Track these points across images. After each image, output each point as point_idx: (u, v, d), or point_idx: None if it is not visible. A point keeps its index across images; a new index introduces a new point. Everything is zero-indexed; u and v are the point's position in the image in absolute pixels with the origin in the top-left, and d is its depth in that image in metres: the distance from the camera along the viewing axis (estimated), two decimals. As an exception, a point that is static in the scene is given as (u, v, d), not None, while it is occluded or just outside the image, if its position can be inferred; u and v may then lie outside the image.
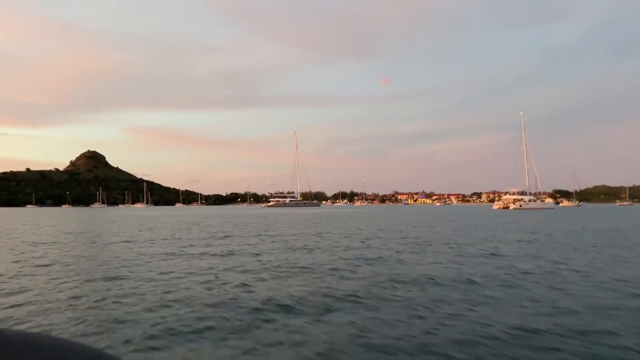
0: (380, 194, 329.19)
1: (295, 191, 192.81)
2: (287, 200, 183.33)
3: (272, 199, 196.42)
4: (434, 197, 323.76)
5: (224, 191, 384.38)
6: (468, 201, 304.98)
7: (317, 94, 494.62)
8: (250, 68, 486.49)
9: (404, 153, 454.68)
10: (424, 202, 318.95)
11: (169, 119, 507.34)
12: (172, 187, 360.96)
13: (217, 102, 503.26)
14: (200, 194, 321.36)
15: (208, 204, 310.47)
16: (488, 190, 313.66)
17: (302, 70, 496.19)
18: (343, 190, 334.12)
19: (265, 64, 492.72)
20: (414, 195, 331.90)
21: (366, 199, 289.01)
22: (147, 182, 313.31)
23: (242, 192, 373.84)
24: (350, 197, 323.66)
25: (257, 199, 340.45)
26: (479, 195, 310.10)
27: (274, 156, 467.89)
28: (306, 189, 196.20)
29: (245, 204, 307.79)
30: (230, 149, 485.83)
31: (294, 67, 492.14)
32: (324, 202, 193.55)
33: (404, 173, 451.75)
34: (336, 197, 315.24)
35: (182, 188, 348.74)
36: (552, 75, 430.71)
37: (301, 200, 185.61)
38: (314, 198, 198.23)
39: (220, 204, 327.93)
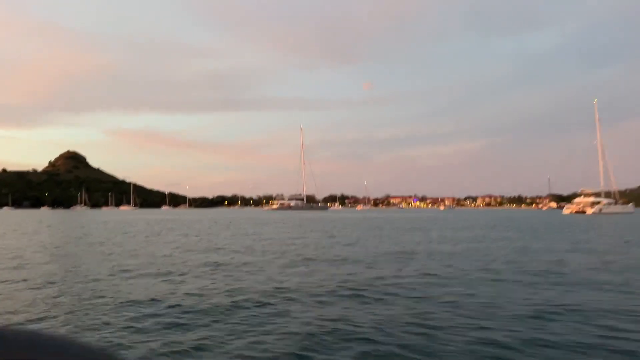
0: (372, 198, 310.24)
1: (301, 193, 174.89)
2: (293, 203, 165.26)
3: (276, 202, 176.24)
4: (427, 201, 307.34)
5: (207, 194, 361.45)
6: (464, 205, 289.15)
7: (301, 98, 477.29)
8: (234, 71, 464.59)
9: (388, 157, 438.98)
10: (418, 206, 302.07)
11: (151, 121, 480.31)
12: (154, 189, 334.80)
13: (200, 105, 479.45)
14: (187, 197, 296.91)
15: (195, 207, 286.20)
16: (483, 194, 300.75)
17: (286, 74, 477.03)
18: (333, 193, 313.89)
19: (249, 67, 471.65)
20: (407, 199, 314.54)
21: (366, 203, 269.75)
22: (128, 184, 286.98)
23: (228, 194, 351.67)
24: (342, 200, 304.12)
25: (245, 202, 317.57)
26: (473, 199, 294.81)
27: (257, 159, 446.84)
28: (300, 191, 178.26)
29: (236, 206, 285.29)
30: (213, 152, 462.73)
31: (278, 71, 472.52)
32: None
33: (389, 177, 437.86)
34: (326, 200, 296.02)
35: (163, 190, 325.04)
36: (530, 81, 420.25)
37: (305, 203, 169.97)
38: (310, 201, 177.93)
39: (206, 207, 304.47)
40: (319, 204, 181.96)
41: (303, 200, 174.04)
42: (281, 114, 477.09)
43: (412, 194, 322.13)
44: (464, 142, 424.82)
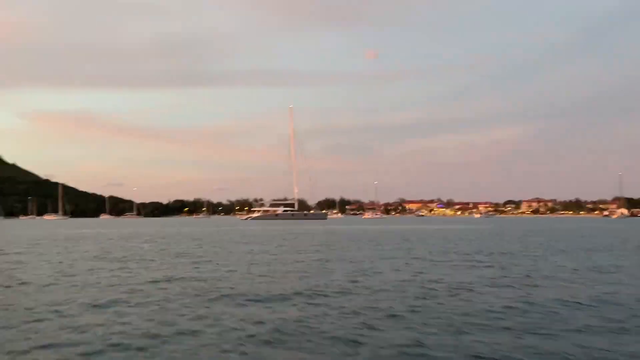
0: (381, 202, 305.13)
1: (292, 197, 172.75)
2: (280, 210, 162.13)
3: (257, 209, 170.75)
4: (455, 207, 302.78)
5: (161, 198, 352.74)
6: (504, 212, 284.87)
7: (285, 71, 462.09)
8: (196, 36, 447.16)
9: (400, 150, 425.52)
10: (443, 213, 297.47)
11: (83, 101, 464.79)
12: (89, 191, 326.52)
13: (150, 80, 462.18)
14: (135, 203, 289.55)
15: (146, 216, 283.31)
16: (528, 198, 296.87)
17: (265, 41, 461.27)
18: (328, 197, 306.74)
19: (217, 31, 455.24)
20: (428, 205, 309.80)
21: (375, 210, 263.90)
22: (55, 184, 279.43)
23: (189, 199, 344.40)
24: (342, 206, 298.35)
25: (212, 208, 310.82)
26: (516, 204, 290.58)
27: (227, 152, 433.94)
28: (288, 194, 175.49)
29: (200, 215, 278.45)
30: (168, 142, 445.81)
31: (254, 36, 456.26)
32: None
33: (402, 176, 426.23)
34: (321, 206, 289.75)
35: (103, 193, 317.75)
36: (590, 51, 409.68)
37: (297, 211, 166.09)
38: (302, 208, 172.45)
39: (161, 215, 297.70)
40: (315, 211, 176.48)
41: (294, 206, 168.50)
42: (259, 93, 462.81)
43: (434, 198, 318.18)
44: (501, 130, 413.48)
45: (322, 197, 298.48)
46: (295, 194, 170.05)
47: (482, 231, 64.73)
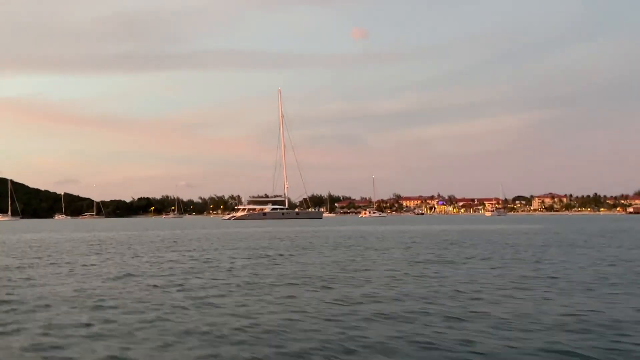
0: (375, 200, 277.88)
1: (282, 194, 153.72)
2: (269, 208, 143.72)
3: (242, 207, 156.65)
4: (459, 204, 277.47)
5: (123, 196, 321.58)
6: (514, 208, 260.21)
7: (261, 51, 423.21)
8: (159, 13, 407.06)
9: (392, 140, 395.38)
10: (445, 211, 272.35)
11: (31, 86, 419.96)
12: (41, 188, 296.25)
13: (108, 63, 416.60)
14: (95, 201, 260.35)
15: (108, 216, 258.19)
16: (542, 193, 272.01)
17: (240, 17, 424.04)
18: (315, 193, 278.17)
19: (185, 6, 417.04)
20: (428, 202, 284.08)
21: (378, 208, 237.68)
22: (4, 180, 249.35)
23: (156, 196, 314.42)
24: (331, 203, 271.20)
25: (183, 207, 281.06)
26: (527, 200, 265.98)
27: (197, 144, 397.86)
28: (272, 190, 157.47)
29: (170, 214, 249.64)
30: (126, 132, 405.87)
31: (227, 11, 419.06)
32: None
33: (395, 169, 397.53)
34: (306, 204, 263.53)
35: (54, 190, 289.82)
36: (605, 30, 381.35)
37: (288, 209, 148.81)
38: (290, 205, 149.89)
39: (123, 214, 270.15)
40: (309, 210, 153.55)
41: (284, 203, 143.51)
42: (232, 76, 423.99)
43: (434, 194, 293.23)
44: (505, 118, 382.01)
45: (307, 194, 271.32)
46: (284, 190, 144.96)
47: (555, 232, 49.57)
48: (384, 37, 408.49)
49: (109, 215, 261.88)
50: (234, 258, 23.54)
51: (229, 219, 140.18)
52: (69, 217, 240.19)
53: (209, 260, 22.71)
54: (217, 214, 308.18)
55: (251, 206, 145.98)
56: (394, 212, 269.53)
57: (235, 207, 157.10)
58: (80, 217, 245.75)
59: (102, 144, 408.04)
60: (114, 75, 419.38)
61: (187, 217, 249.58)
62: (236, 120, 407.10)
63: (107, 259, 23.98)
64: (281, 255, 24.93)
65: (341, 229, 62.13)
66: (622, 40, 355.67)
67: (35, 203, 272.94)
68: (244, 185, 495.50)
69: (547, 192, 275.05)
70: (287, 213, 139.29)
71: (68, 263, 21.89)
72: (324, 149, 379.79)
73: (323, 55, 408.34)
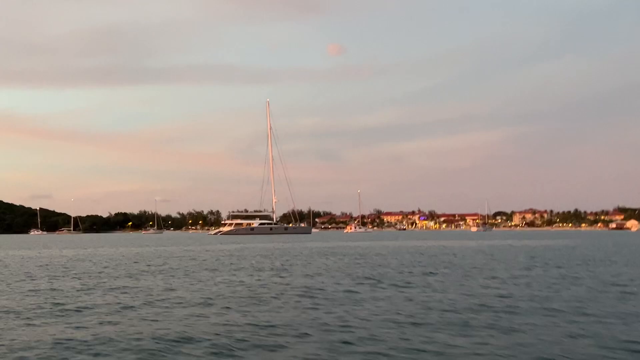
0: (357, 215, 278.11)
1: (270, 208, 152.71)
2: (256, 223, 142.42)
3: (228, 221, 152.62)
4: (441, 219, 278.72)
5: (99, 211, 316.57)
6: (495, 224, 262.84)
7: (237, 66, 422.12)
8: (137, 26, 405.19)
9: (365, 155, 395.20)
10: (425, 226, 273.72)
11: (5, 101, 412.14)
12: (15, 203, 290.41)
13: (84, 76, 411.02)
14: (72, 217, 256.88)
15: (85, 231, 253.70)
16: (521, 209, 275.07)
17: (215, 31, 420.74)
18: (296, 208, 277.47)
19: (161, 21, 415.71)
20: (410, 217, 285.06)
21: (362, 223, 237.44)
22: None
23: (133, 211, 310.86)
24: (312, 219, 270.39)
25: (162, 222, 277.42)
26: (508, 216, 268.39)
27: (167, 159, 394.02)
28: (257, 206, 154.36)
29: (149, 230, 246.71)
30: (101, 147, 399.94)
31: (202, 25, 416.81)
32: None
33: (372, 184, 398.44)
34: (287, 219, 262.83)
35: (29, 205, 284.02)
36: (574, 48, 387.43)
37: (276, 224, 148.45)
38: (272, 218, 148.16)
39: (100, 230, 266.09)
40: (299, 224, 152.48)
41: (271, 218, 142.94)
42: (208, 91, 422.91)
43: (414, 210, 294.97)
44: (483, 134, 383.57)
45: (285, 209, 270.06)
46: (273, 204, 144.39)
47: (585, 249, 51.03)
48: (360, 53, 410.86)
49: (86, 230, 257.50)
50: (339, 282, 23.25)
51: (215, 234, 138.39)
52: (44, 233, 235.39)
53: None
54: (196, 229, 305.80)
55: (238, 221, 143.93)
56: (375, 228, 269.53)
57: (222, 222, 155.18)
58: (57, 232, 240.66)
59: (77, 158, 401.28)
60: (89, 89, 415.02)
61: (166, 232, 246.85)
62: (213, 135, 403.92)
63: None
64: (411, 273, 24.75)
65: (361, 244, 62.11)
66: (595, 57, 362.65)
67: (9, 218, 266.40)
68: (222, 201, 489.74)
69: (527, 208, 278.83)
70: (275, 228, 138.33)
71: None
72: (301, 164, 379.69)
73: (300, 70, 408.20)
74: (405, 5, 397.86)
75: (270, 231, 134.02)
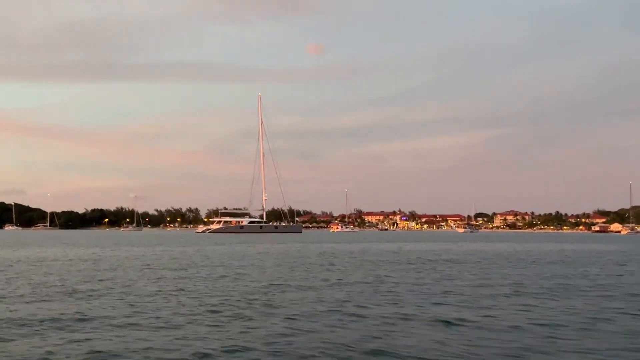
0: (336, 214, 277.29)
1: (261, 206, 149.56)
2: (246, 221, 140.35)
3: (217, 219, 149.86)
4: (422, 220, 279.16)
5: (75, 206, 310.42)
6: (476, 226, 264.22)
7: (216, 64, 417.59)
8: (116, 22, 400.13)
9: (344, 155, 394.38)
10: (406, 226, 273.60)
11: None
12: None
13: (57, 72, 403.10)
14: (48, 212, 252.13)
15: (61, 227, 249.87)
16: (502, 210, 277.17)
17: (195, 29, 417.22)
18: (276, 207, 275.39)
19: (141, 17, 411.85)
20: (391, 217, 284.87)
21: (351, 223, 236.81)
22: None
23: (110, 207, 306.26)
24: (291, 217, 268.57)
25: (140, 219, 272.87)
26: (489, 217, 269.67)
27: (143, 156, 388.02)
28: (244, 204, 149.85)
29: (128, 227, 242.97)
30: (76, 142, 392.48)
31: (183, 23, 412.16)
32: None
33: (350, 184, 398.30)
34: (286, 217, 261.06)
35: (2, 200, 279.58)
36: (556, 51, 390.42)
37: (266, 223, 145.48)
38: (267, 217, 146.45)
39: (77, 226, 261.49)
40: (290, 223, 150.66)
41: (262, 216, 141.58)
42: (187, 89, 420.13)
43: (394, 210, 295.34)
44: (462, 136, 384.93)
45: (270, 207, 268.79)
46: (263, 202, 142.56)
47: None
48: (340, 53, 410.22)
49: (62, 226, 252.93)
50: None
51: (203, 232, 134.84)
52: (20, 228, 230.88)
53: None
54: (175, 227, 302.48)
55: (227, 219, 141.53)
56: (356, 228, 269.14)
57: (210, 220, 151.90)
58: (33, 228, 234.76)
59: (52, 154, 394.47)
60: (66, 85, 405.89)
61: (145, 230, 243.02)
62: (190, 133, 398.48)
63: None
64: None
65: (383, 247, 60.45)
66: (577, 60, 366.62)
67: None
68: (198, 198, 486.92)
69: (508, 210, 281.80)
70: (265, 227, 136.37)
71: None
72: (279, 163, 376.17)
73: (279, 69, 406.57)
74: (386, 6, 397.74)
75: (261, 229, 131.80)
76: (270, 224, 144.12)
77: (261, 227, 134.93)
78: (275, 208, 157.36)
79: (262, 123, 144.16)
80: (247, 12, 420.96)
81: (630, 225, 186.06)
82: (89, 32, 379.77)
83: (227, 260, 34.09)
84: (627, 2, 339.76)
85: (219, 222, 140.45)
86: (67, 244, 64.79)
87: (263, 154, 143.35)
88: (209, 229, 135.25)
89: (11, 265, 29.38)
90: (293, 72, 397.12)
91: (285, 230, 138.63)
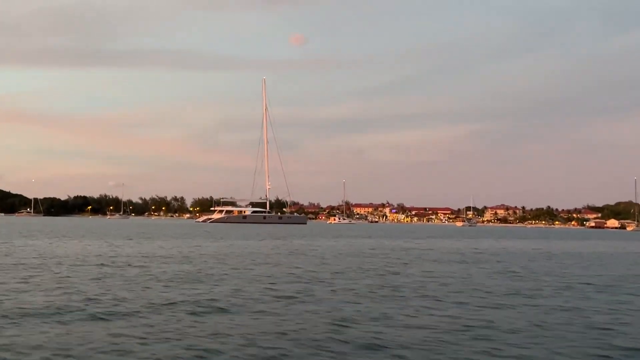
0: (326, 206, 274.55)
1: (264, 196, 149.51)
2: (249, 211, 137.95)
3: (219, 208, 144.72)
4: (412, 212, 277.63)
5: (57, 193, 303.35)
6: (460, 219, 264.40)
7: (199, 53, 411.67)
8: (98, 8, 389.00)
9: (326, 146, 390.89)
10: (396, 218, 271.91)
11: None
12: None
13: (37, 58, 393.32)
14: (32, 199, 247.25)
15: (45, 214, 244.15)
16: (493, 204, 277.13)
17: (179, 17, 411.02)
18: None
19: (124, 4, 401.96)
20: (380, 209, 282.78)
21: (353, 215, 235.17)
22: None
23: (93, 195, 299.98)
24: (279, 208, 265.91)
25: (124, 207, 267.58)
26: (478, 211, 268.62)
27: (123, 143, 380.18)
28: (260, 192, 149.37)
29: (115, 215, 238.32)
30: (56, 129, 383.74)
31: (166, 10, 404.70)
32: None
33: (333, 176, 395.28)
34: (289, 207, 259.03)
35: None
36: (542, 46, 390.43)
37: (270, 212, 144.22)
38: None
39: (59, 213, 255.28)
40: (294, 214, 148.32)
41: (265, 206, 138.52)
42: (170, 77, 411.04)
43: (382, 202, 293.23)
44: (448, 129, 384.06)
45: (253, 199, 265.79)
46: (267, 191, 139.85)
47: None
48: (323, 44, 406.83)
49: (46, 213, 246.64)
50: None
51: (204, 221, 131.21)
52: (2, 214, 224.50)
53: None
54: (159, 215, 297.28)
55: (229, 208, 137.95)
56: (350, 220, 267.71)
57: (211, 209, 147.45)
58: (17, 214, 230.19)
59: (31, 140, 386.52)
60: (45, 71, 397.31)
61: (132, 218, 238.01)
62: (172, 121, 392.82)
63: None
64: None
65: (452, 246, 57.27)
66: (567, 53, 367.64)
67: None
68: (182, 188, 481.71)
69: (498, 204, 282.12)
70: (269, 217, 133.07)
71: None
72: (258, 153, 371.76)
73: (261, 59, 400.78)
74: (370, 2, 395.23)
75: (264, 220, 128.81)
76: (274, 213, 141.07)
77: (264, 217, 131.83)
78: (289, 197, 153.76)
79: (266, 109, 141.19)
80: (229, 1, 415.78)
81: (635, 222, 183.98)
82: (69, 18, 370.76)
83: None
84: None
85: (221, 211, 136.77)
86: (147, 236, 61.06)
87: (267, 141, 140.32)
88: (210, 219, 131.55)
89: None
90: (275, 62, 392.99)
91: (289, 221, 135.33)
